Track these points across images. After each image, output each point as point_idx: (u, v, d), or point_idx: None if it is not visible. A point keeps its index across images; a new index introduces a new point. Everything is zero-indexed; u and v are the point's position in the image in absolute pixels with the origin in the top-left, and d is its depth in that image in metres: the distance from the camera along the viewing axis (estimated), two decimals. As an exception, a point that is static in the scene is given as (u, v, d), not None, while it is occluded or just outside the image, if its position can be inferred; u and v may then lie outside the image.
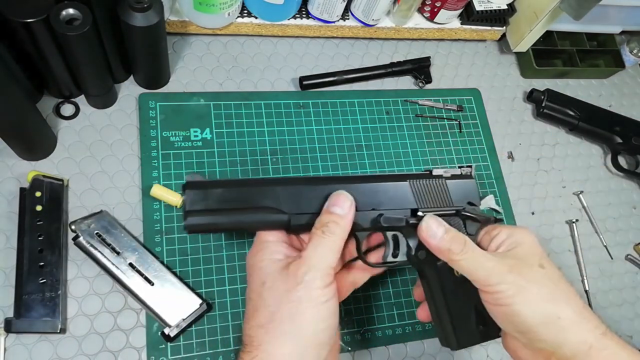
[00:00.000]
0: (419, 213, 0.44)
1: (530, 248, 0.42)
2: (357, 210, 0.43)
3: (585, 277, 0.67)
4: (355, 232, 0.44)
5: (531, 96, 0.75)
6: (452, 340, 0.45)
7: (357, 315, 0.57)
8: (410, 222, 0.44)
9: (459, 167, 0.49)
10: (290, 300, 0.38)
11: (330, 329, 0.39)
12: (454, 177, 0.48)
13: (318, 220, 0.42)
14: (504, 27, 0.75)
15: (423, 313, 0.49)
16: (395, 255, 0.47)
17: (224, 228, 0.43)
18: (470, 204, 0.47)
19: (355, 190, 0.43)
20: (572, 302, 0.39)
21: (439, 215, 0.43)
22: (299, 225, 0.43)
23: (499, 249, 0.43)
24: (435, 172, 0.48)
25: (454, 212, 0.46)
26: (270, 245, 0.42)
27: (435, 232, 0.41)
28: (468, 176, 0.48)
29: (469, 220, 0.46)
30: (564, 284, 0.40)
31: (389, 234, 0.47)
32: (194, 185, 0.41)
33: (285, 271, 0.40)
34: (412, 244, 0.46)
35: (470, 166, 0.49)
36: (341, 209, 0.41)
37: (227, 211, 0.41)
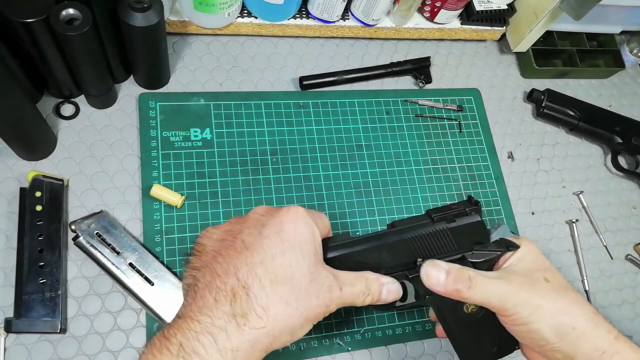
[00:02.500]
0: (418, 262, 0.43)
1: (533, 262, 0.42)
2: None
3: (585, 277, 0.67)
4: None
5: (531, 96, 0.75)
6: None
7: (357, 315, 0.57)
8: (410, 276, 0.44)
9: (468, 198, 0.48)
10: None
11: None
12: (458, 216, 0.46)
13: (370, 283, 0.41)
14: (504, 27, 0.75)
15: (442, 332, 0.48)
16: (403, 301, 0.47)
17: None
18: (478, 243, 0.45)
19: (356, 254, 0.43)
20: (583, 311, 0.40)
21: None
22: None
23: (503, 265, 0.43)
24: (436, 216, 0.45)
25: (459, 257, 0.44)
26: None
27: (437, 279, 0.40)
28: (474, 215, 0.46)
29: (479, 264, 0.44)
30: (571, 292, 0.41)
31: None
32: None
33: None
34: (420, 288, 0.45)
35: (477, 203, 0.47)
36: (388, 297, 0.42)
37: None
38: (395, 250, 0.44)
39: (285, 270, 0.36)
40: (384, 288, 0.42)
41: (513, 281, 0.40)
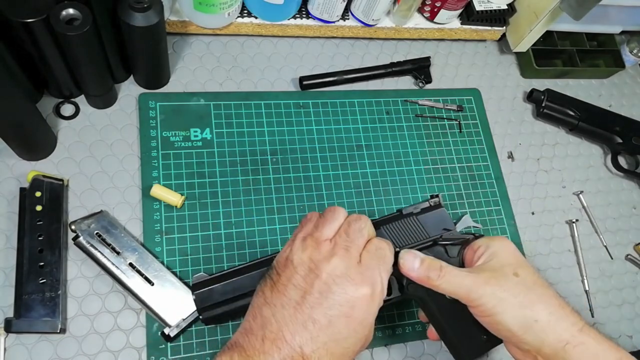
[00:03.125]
0: (397, 250, 0.47)
1: (506, 258, 0.45)
2: None
3: (585, 277, 0.67)
4: None
5: (531, 96, 0.75)
6: (462, 356, 0.48)
7: (357, 315, 0.57)
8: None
9: (430, 197, 0.53)
10: None
11: None
12: (424, 210, 0.51)
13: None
14: (504, 27, 0.75)
15: (432, 334, 0.51)
16: (388, 294, 0.49)
17: (233, 313, 0.49)
18: (446, 229, 0.50)
19: None
20: (548, 304, 0.42)
21: (419, 249, 0.47)
22: None
23: (477, 262, 0.46)
24: (405, 211, 0.51)
25: (431, 242, 0.49)
26: None
27: (411, 265, 0.45)
28: (437, 206, 0.52)
29: (449, 246, 0.49)
30: (540, 288, 0.43)
31: None
32: (199, 286, 0.49)
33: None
34: (401, 278, 0.48)
35: (437, 195, 0.53)
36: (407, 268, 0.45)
37: (229, 300, 0.48)
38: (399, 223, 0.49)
39: (345, 352, 0.39)
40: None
41: (481, 275, 0.43)
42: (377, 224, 0.49)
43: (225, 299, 0.48)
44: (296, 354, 0.37)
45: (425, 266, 0.44)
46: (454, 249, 0.49)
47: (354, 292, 0.39)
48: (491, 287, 0.42)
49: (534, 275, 0.44)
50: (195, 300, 0.48)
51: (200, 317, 0.49)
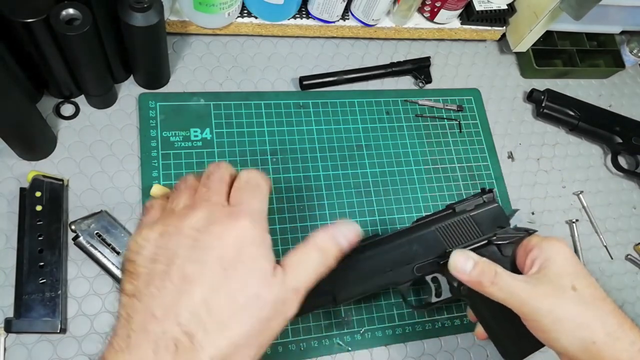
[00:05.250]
0: (447, 251, 0.46)
1: (562, 267, 0.41)
2: (392, 269, 0.48)
3: (585, 277, 0.67)
4: (397, 287, 0.49)
5: (531, 96, 0.75)
6: (512, 355, 0.46)
7: (357, 316, 0.57)
8: (442, 262, 0.46)
9: (481, 191, 0.50)
10: None
11: None
12: (477, 207, 0.49)
13: (318, 244, 0.37)
14: (504, 27, 0.75)
15: (481, 334, 0.49)
16: (438, 295, 0.49)
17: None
18: (500, 227, 0.48)
19: (387, 250, 0.48)
20: (606, 323, 0.39)
21: (472, 250, 0.45)
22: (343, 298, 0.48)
23: (532, 269, 0.42)
24: (457, 208, 0.49)
25: (485, 242, 0.47)
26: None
27: (463, 267, 0.42)
28: (491, 202, 0.49)
29: (503, 245, 0.47)
30: (599, 303, 0.40)
31: (428, 277, 0.50)
32: None
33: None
34: (452, 279, 0.47)
35: (491, 190, 0.50)
36: (347, 242, 0.38)
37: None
38: (425, 242, 0.48)
39: (232, 307, 0.31)
40: (333, 237, 0.37)
41: (539, 288, 0.40)
42: (430, 223, 0.48)
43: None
44: (171, 326, 0.30)
45: (478, 270, 0.41)
46: (508, 247, 0.47)
47: (229, 231, 0.33)
48: (548, 304, 0.39)
49: (592, 288, 0.41)
50: None
51: None
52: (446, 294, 0.49)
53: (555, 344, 0.40)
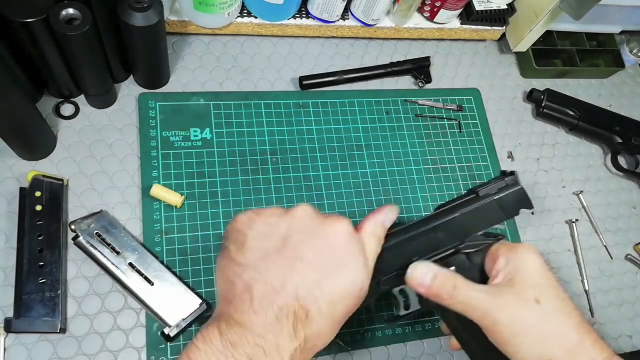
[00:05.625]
0: (413, 260, 0.44)
1: (529, 278, 0.40)
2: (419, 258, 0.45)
3: (585, 277, 0.67)
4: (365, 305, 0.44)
5: (531, 96, 0.75)
6: None
7: (357, 315, 0.57)
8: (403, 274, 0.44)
9: (502, 173, 0.49)
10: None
11: None
12: (501, 191, 0.47)
13: (371, 232, 0.42)
14: (504, 27, 0.75)
15: (455, 344, 0.48)
16: (407, 308, 0.48)
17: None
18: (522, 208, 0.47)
19: (413, 239, 0.46)
20: (566, 340, 0.39)
21: (438, 261, 0.44)
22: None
23: (496, 279, 0.41)
24: (481, 193, 0.47)
25: (453, 251, 0.45)
26: None
27: (422, 280, 0.41)
28: (514, 184, 0.48)
29: (472, 254, 0.45)
30: (562, 317, 0.39)
31: (395, 290, 0.48)
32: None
33: None
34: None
35: (513, 173, 0.48)
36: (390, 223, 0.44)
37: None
38: (450, 229, 0.46)
39: (340, 292, 0.37)
40: (383, 223, 0.42)
41: (500, 299, 0.39)
42: (453, 209, 0.46)
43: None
44: (291, 300, 0.35)
45: (438, 283, 0.41)
46: (477, 256, 0.45)
47: (338, 226, 0.38)
48: (508, 316, 0.39)
49: (557, 300, 0.40)
50: None
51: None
52: (415, 305, 0.47)
53: (515, 357, 0.39)
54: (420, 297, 0.46)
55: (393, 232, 0.46)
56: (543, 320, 0.39)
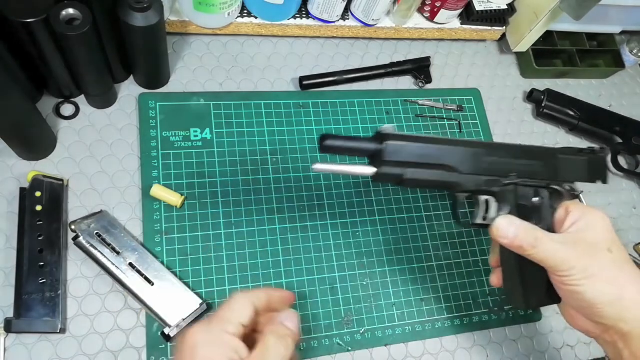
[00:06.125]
0: (507, 181, 0.48)
1: (602, 233, 0.44)
2: (465, 173, 0.48)
3: (585, 277, 0.67)
4: (455, 192, 0.50)
5: (531, 96, 0.75)
6: (522, 302, 0.49)
7: (357, 316, 0.57)
8: (504, 182, 0.48)
9: (590, 149, 0.52)
10: None
11: None
12: (595, 154, 0.51)
13: (272, 330, 0.39)
14: (504, 27, 0.75)
15: (496, 279, 0.51)
16: (484, 219, 0.50)
17: (407, 180, 0.47)
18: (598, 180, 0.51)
19: (502, 153, 0.49)
20: (637, 283, 0.42)
21: (528, 186, 0.48)
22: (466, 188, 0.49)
23: (571, 228, 0.45)
24: (583, 150, 0.51)
25: (544, 185, 0.49)
26: (227, 340, 0.37)
27: (506, 232, 0.44)
28: (603, 156, 0.52)
29: (555, 195, 0.49)
30: (630, 267, 0.43)
31: (482, 198, 0.50)
32: (392, 137, 0.46)
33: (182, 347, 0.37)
34: (503, 209, 0.49)
35: (603, 150, 0.52)
36: (294, 325, 0.40)
37: (415, 165, 0.46)
38: (550, 165, 0.49)
39: None
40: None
41: (576, 248, 0.43)
42: (555, 151, 0.50)
43: (411, 162, 0.46)
44: None
45: (521, 235, 0.44)
46: (558, 200, 0.49)
47: None
48: (584, 262, 0.42)
49: (626, 253, 0.44)
50: (384, 151, 0.45)
51: (378, 170, 0.46)
52: (490, 221, 0.49)
53: (581, 296, 0.42)
54: (498, 212, 0.49)
55: (497, 144, 0.49)
56: (616, 266, 0.43)
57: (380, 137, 0.46)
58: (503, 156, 0.49)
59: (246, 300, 0.40)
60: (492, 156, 0.48)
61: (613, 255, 0.43)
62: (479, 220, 0.51)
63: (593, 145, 0.77)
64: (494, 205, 0.50)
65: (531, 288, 0.48)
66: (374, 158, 0.46)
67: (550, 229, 0.47)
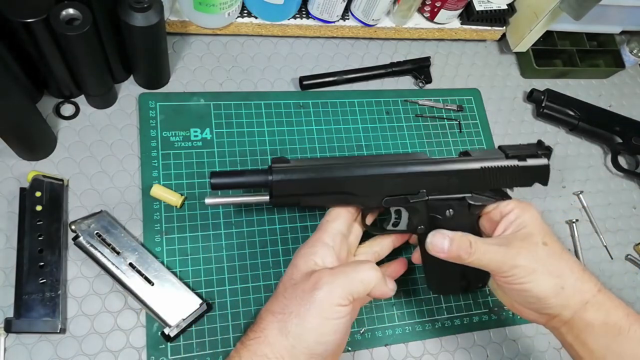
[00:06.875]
0: (420, 192, 0.48)
1: (535, 227, 0.46)
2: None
3: (585, 277, 0.67)
4: (365, 208, 0.51)
5: (531, 96, 0.75)
6: (436, 290, 0.55)
7: (357, 315, 0.57)
8: (411, 201, 0.49)
9: (538, 143, 0.51)
10: (304, 302, 0.40)
11: (330, 345, 0.41)
12: (529, 158, 0.50)
13: (358, 263, 0.45)
14: (504, 27, 0.75)
15: (417, 258, 0.54)
16: (395, 225, 0.51)
17: (306, 207, 0.49)
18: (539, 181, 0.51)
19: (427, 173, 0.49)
20: (574, 270, 0.45)
21: (443, 200, 0.48)
22: (369, 207, 0.49)
23: (507, 230, 0.47)
24: (510, 153, 0.50)
25: (460, 197, 0.49)
26: (319, 249, 0.45)
27: (441, 247, 0.45)
28: (543, 159, 0.50)
29: (474, 207, 0.49)
30: (566, 255, 0.46)
31: (393, 208, 0.51)
32: (280, 171, 0.46)
33: (312, 274, 0.42)
34: (415, 219, 0.50)
35: (549, 148, 0.51)
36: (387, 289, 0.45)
37: (310, 194, 0.47)
38: (466, 177, 0.49)
39: None
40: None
41: (513, 247, 0.45)
42: (476, 160, 0.49)
43: (305, 193, 0.47)
44: None
45: (455, 246, 0.45)
46: (478, 209, 0.49)
47: None
48: (524, 259, 0.44)
49: (559, 243, 0.47)
50: (271, 186, 0.46)
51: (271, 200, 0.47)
52: (402, 227, 0.51)
53: (527, 293, 0.44)
54: (410, 221, 0.50)
55: (413, 160, 0.48)
56: (553, 257, 0.45)
57: (269, 170, 0.46)
58: (410, 177, 0.48)
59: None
60: (395, 178, 0.48)
61: (549, 248, 0.45)
62: (389, 227, 0.52)
63: (593, 145, 0.77)
64: (404, 214, 0.50)
65: (447, 281, 0.52)
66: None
67: (478, 234, 0.48)
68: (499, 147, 0.51)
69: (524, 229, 0.46)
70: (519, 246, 0.45)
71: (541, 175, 0.50)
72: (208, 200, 0.46)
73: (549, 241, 0.46)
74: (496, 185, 0.50)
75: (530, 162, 0.50)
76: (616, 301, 0.45)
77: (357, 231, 0.52)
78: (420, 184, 0.49)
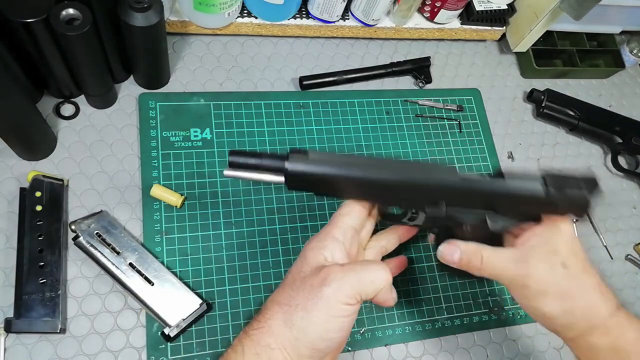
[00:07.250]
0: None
1: (561, 245, 0.44)
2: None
3: (585, 277, 0.67)
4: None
5: (531, 96, 0.75)
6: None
7: (357, 315, 0.57)
8: (427, 210, 0.46)
9: (585, 180, 0.47)
10: (311, 297, 0.40)
11: (334, 342, 0.41)
12: (570, 188, 0.46)
13: (370, 262, 0.45)
14: (504, 27, 0.75)
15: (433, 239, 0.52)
16: (412, 219, 0.49)
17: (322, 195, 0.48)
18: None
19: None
20: (588, 294, 0.44)
21: (465, 214, 0.46)
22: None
23: (530, 241, 0.45)
24: (551, 189, 0.45)
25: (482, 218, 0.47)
26: (329, 243, 0.44)
27: (451, 259, 0.46)
28: (584, 193, 0.46)
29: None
30: (584, 276, 0.44)
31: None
32: (297, 159, 0.43)
33: (322, 269, 0.41)
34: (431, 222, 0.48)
35: (596, 183, 0.47)
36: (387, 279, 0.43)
37: (325, 187, 0.44)
38: (495, 202, 0.46)
39: None
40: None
41: (528, 264, 0.43)
42: (513, 188, 0.45)
43: (321, 184, 0.44)
44: None
45: (465, 260, 0.45)
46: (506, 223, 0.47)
47: None
48: (535, 282, 0.43)
49: (582, 263, 0.45)
50: (286, 174, 0.43)
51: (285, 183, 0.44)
52: (419, 222, 0.48)
53: (536, 311, 0.44)
54: (426, 221, 0.47)
55: (441, 176, 0.45)
56: (569, 280, 0.43)
57: (285, 156, 0.43)
58: (436, 191, 0.45)
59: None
60: (424, 191, 0.45)
61: (567, 271, 0.43)
62: (405, 220, 0.50)
63: (593, 145, 0.77)
64: (422, 214, 0.48)
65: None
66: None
67: (498, 240, 0.46)
68: (541, 173, 0.46)
69: (547, 246, 0.44)
70: (534, 266, 0.43)
71: (577, 209, 0.46)
72: (227, 172, 0.45)
73: (571, 262, 0.44)
74: (524, 212, 0.47)
75: (570, 192, 0.45)
76: (628, 325, 0.43)
77: (369, 226, 0.50)
78: (443, 197, 0.46)
